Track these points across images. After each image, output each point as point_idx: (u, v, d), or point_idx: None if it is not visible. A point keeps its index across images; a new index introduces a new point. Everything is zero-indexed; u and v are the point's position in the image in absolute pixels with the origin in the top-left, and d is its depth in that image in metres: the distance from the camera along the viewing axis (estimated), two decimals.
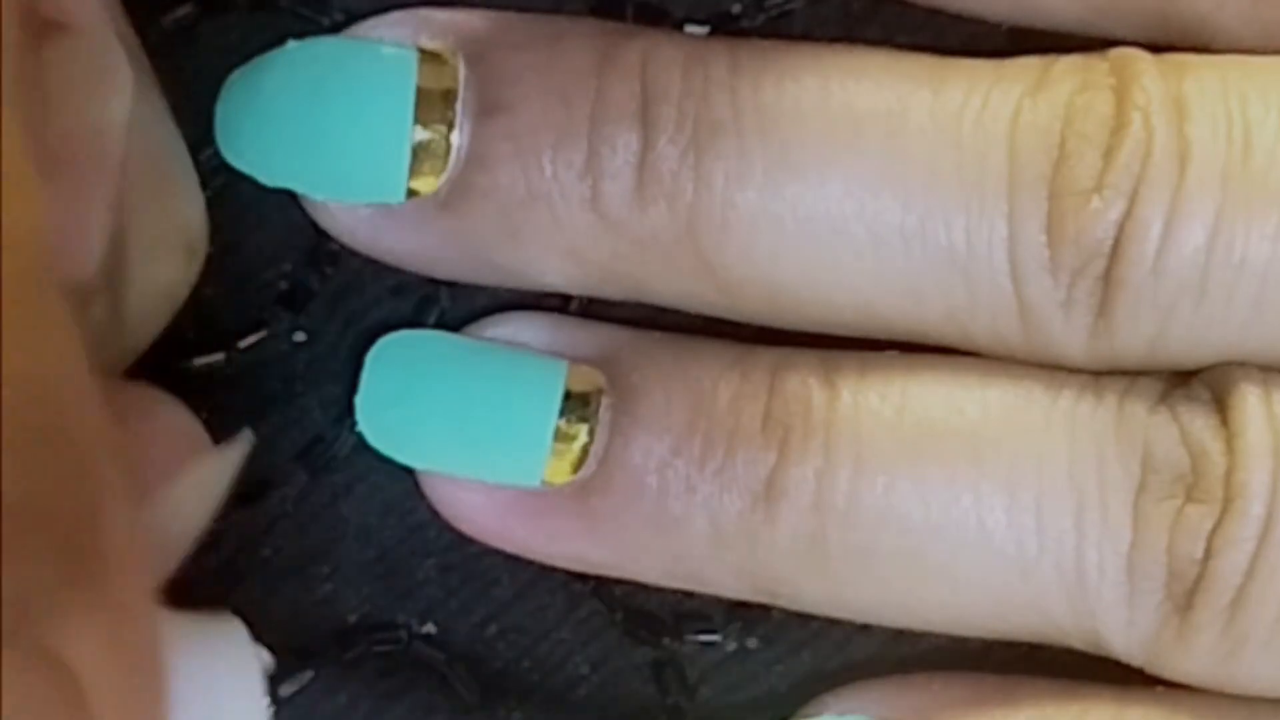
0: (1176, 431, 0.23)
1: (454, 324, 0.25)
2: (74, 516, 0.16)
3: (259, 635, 0.24)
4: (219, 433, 0.24)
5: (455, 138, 0.23)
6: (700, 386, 0.23)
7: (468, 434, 0.23)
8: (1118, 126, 0.22)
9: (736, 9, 0.25)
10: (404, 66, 0.23)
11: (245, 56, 0.24)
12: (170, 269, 0.23)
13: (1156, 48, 0.23)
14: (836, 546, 0.23)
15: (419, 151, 0.23)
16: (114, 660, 0.16)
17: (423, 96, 0.23)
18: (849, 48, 0.23)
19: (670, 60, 0.23)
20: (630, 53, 0.23)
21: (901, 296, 0.23)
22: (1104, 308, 0.22)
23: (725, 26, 0.25)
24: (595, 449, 0.23)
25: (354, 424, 0.24)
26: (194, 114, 0.24)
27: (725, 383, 0.23)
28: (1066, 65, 0.23)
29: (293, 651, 0.24)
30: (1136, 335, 0.23)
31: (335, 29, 0.24)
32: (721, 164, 0.23)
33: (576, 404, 0.23)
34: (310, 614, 0.25)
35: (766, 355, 0.24)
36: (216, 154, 0.24)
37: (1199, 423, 0.23)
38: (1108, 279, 0.22)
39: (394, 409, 0.23)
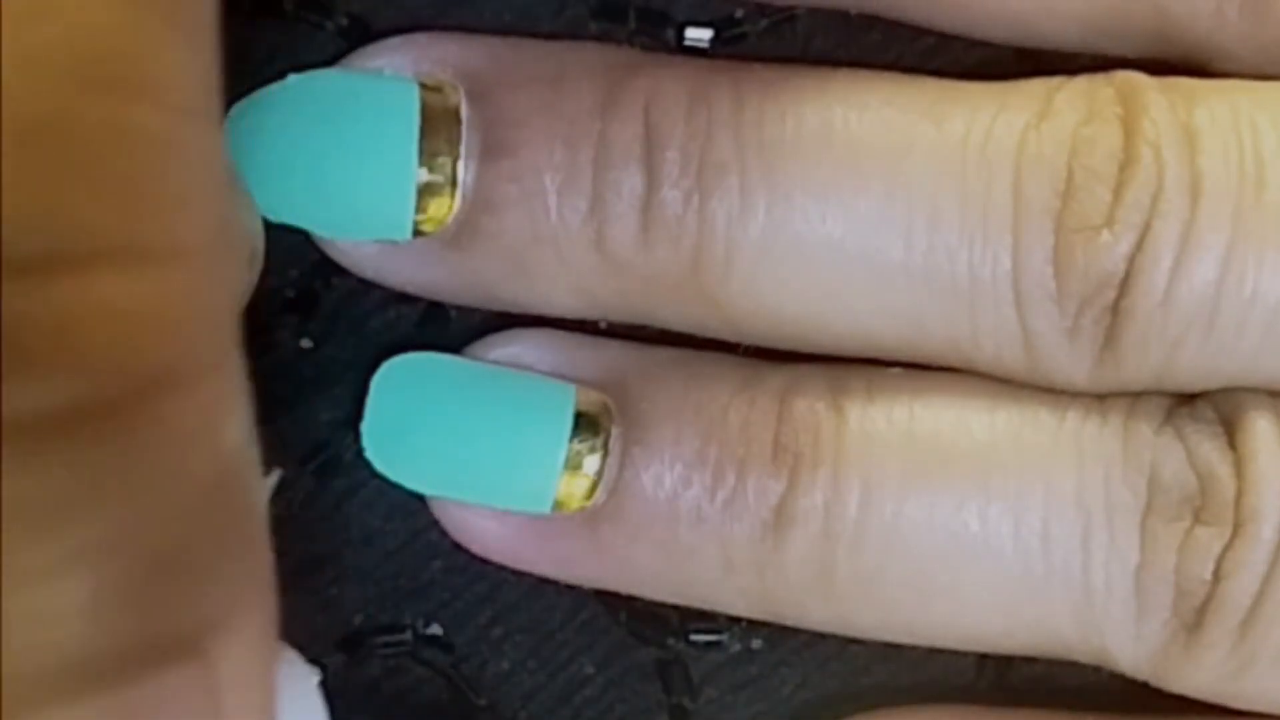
0: (1183, 453, 0.23)
1: (461, 331, 0.25)
2: (254, 536, 0.17)
3: None
4: None
5: (460, 177, 0.23)
6: (710, 413, 0.23)
7: (477, 461, 0.23)
8: (1127, 161, 0.22)
9: (739, 13, 0.25)
10: (407, 106, 0.23)
11: (249, 61, 0.24)
12: (239, 279, 0.23)
13: (1156, 67, 0.23)
14: (844, 572, 0.23)
15: (424, 191, 0.23)
16: (253, 681, 0.17)
17: (426, 136, 0.23)
18: (852, 76, 0.23)
19: (673, 100, 0.23)
20: (633, 93, 0.23)
21: (905, 326, 0.23)
22: (1110, 338, 0.22)
23: (728, 30, 0.25)
24: (606, 476, 0.23)
25: (359, 428, 0.24)
26: None
27: (734, 408, 0.23)
28: (1071, 93, 0.23)
29: (299, 653, 0.24)
30: (1143, 365, 0.22)
31: (341, 33, 0.24)
32: (725, 204, 0.23)
33: (587, 430, 0.23)
34: (317, 616, 0.25)
35: (774, 378, 0.24)
36: None
37: (1206, 445, 0.23)
38: (1115, 310, 0.22)
39: (401, 436, 0.23)
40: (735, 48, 0.25)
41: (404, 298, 0.25)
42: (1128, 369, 0.23)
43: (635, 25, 0.25)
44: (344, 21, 0.24)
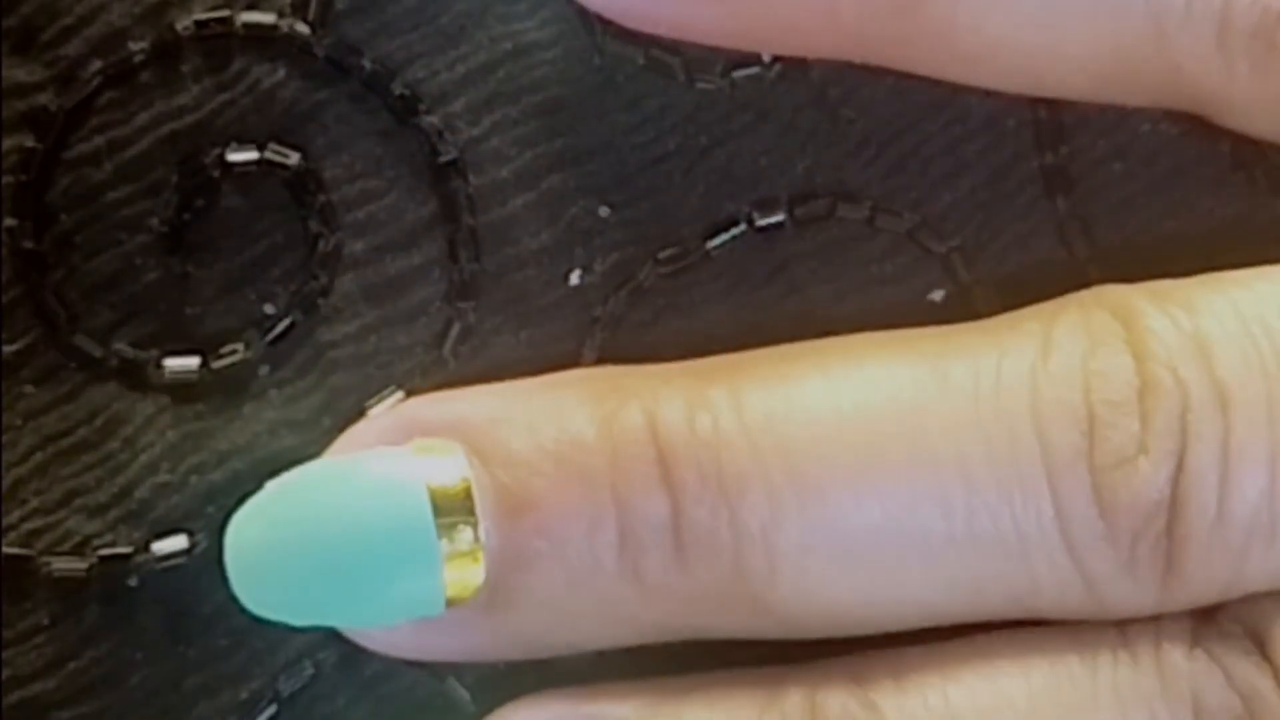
0: (1221, 675, 0.22)
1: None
2: None
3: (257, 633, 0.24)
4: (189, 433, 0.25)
5: (484, 541, 0.22)
6: None
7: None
8: (1146, 386, 0.22)
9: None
10: (415, 492, 0.22)
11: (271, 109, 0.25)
12: None
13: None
14: None
15: (450, 563, 0.22)
16: None
17: (441, 511, 0.22)
18: (845, 346, 0.23)
19: (675, 411, 0.23)
20: (632, 412, 0.23)
21: (962, 592, 0.22)
22: (1171, 562, 0.22)
23: (741, 72, 0.25)
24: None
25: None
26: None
27: None
28: (1067, 326, 0.22)
29: (293, 649, 0.25)
30: (1211, 582, 0.22)
31: (367, 82, 0.25)
32: (755, 513, 0.22)
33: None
34: None
35: (796, 691, 0.23)
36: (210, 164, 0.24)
37: (1241, 662, 0.22)
38: (1170, 535, 0.22)
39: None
40: (749, 91, 0.25)
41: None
42: (1195, 588, 0.22)
43: (644, 62, 0.25)
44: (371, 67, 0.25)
